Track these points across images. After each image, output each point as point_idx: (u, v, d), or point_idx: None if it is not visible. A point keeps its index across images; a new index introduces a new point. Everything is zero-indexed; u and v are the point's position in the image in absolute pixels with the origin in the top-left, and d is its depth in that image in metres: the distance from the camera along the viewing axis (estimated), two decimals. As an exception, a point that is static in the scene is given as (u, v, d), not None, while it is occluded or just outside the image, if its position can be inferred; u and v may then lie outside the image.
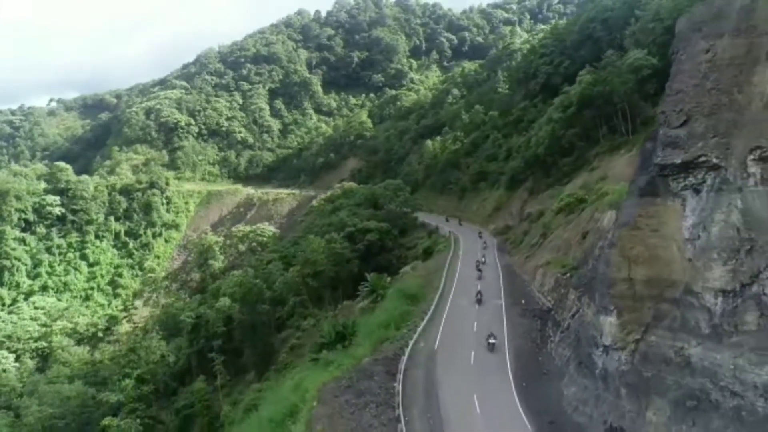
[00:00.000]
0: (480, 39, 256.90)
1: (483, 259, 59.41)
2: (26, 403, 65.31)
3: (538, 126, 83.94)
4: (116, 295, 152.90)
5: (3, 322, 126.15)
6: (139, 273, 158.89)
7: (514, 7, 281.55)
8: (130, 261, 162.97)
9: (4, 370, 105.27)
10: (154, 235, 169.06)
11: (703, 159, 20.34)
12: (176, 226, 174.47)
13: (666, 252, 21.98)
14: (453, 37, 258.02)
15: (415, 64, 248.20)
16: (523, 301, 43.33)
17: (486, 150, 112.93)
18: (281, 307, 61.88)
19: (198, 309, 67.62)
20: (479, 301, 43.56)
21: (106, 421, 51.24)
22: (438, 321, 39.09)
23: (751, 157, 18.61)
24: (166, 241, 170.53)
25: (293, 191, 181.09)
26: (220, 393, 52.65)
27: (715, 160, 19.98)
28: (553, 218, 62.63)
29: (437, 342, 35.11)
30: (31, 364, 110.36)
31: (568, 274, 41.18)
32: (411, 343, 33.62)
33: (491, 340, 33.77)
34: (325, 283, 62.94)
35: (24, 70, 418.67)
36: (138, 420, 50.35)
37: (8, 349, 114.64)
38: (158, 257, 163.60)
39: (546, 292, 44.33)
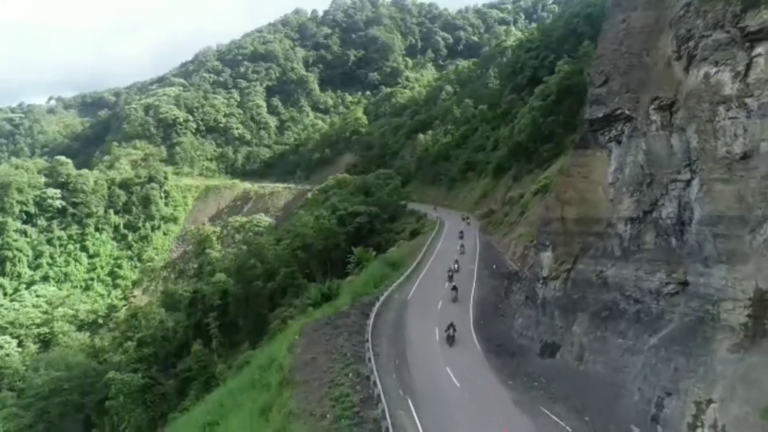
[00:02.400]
0: (475, 38, 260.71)
1: (456, 267, 45.26)
2: (31, 375, 68.81)
3: (521, 115, 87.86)
4: (116, 286, 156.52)
5: (5, 309, 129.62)
6: (138, 264, 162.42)
7: (509, 6, 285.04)
8: (129, 253, 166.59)
9: (7, 355, 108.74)
10: (152, 228, 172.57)
11: (619, 112, 24.15)
12: (174, 220, 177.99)
13: (593, 195, 25.80)
14: (448, 36, 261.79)
15: (410, 62, 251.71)
16: (494, 266, 47.14)
17: (474, 142, 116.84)
18: (273, 281, 65.24)
19: (195, 285, 71.35)
20: (450, 338, 29.16)
21: (110, 374, 54.82)
22: (414, 280, 42.95)
23: (653, 106, 22.40)
24: (164, 233, 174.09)
25: (289, 185, 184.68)
26: (215, 354, 56.38)
27: (627, 112, 23.79)
28: (531, 199, 66.56)
29: (410, 294, 38.99)
30: (33, 348, 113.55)
31: (534, 241, 45.07)
32: (386, 293, 37.49)
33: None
34: (314, 256, 66.57)
35: (23, 69, 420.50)
36: (140, 374, 54.08)
37: (11, 334, 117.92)
38: (156, 249, 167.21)
39: (516, 259, 48.16)
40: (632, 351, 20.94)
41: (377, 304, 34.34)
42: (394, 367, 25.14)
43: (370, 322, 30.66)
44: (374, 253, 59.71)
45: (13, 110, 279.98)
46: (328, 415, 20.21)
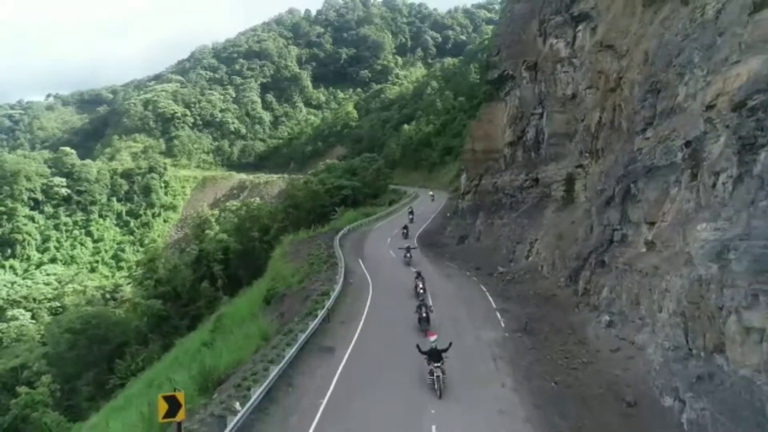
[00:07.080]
0: (463, 37, 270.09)
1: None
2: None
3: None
4: (119, 268, 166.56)
5: (18, 285, 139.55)
6: (140, 249, 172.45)
7: (497, 7, 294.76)
8: (131, 238, 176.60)
9: (23, 325, 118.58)
10: (153, 215, 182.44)
11: (506, 73, 35.10)
12: (174, 208, 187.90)
13: (494, 132, 36.76)
14: (437, 35, 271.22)
15: (400, 60, 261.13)
16: (448, 214, 57.86)
17: (453, 129, 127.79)
18: (267, 235, 75.20)
19: (200, 245, 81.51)
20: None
21: (136, 298, 64.69)
22: (381, 222, 53.80)
23: (524, 67, 33.33)
24: (164, 221, 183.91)
25: (283, 175, 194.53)
26: (220, 291, 66.46)
27: (511, 72, 34.74)
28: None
29: (376, 226, 49.84)
30: (47, 320, 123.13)
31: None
32: (355, 225, 48.30)
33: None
34: (303, 217, 76.77)
35: (20, 69, 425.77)
36: (160, 302, 64.12)
37: (24, 308, 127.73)
38: (158, 234, 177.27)
39: (467, 208, 58.98)
40: (504, 225, 31.87)
41: (348, 227, 45.20)
42: (353, 250, 35.96)
43: (341, 233, 41.49)
44: (353, 211, 70.18)
45: (12, 107, 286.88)
46: (304, 267, 31.01)
